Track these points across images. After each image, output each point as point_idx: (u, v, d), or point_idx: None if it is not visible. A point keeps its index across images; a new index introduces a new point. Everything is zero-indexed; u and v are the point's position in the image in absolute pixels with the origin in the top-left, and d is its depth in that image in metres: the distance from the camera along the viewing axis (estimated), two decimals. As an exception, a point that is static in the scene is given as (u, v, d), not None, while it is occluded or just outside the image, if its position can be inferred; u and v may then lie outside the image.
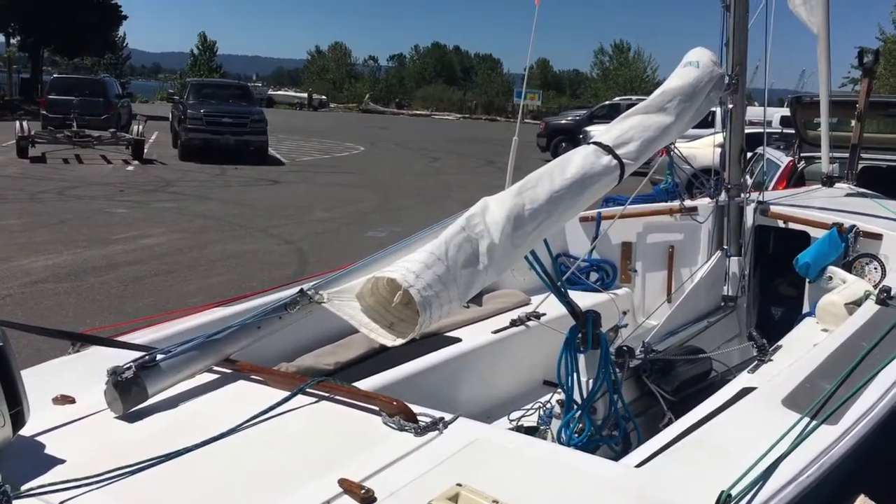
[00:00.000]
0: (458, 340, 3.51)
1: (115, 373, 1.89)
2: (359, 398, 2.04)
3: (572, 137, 22.30)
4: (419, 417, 1.93)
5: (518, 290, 4.19)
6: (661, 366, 3.51)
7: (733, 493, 1.63)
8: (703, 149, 6.92)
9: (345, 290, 2.32)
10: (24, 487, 1.49)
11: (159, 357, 1.99)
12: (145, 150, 19.68)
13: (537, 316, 3.77)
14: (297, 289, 2.36)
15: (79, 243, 10.43)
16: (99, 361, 2.29)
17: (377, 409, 1.98)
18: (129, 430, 1.87)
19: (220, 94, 22.77)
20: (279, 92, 65.47)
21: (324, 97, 64.63)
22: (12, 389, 1.63)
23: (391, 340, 2.24)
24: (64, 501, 1.53)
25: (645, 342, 3.57)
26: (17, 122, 18.87)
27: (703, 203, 4.68)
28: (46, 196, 13.99)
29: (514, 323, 3.71)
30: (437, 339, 3.48)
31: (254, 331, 2.21)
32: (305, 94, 63.51)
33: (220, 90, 23.80)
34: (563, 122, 26.73)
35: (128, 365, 1.91)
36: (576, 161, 2.89)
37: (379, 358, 3.21)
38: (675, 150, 4.54)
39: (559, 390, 3.20)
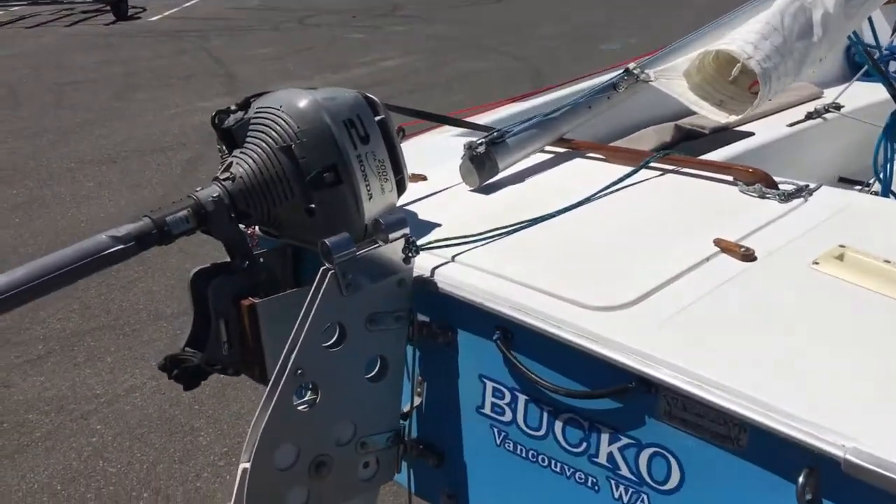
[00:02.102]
0: (750, 134, 3.36)
1: (470, 147, 1.98)
2: (710, 169, 2.01)
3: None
4: (780, 185, 1.88)
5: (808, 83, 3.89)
6: None
7: None
8: None
9: (671, 68, 2.25)
10: (419, 243, 1.63)
11: (505, 134, 2.07)
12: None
13: (837, 107, 3.49)
14: (621, 69, 2.32)
15: (326, 68, 11.00)
16: (426, 148, 2.43)
17: (731, 179, 1.95)
18: (486, 200, 1.98)
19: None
20: None
21: None
22: (395, 158, 1.77)
23: (723, 118, 2.17)
24: (455, 255, 1.67)
25: None
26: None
27: None
28: (288, 25, 14.73)
29: (809, 116, 3.46)
30: (728, 134, 3.34)
31: (585, 110, 2.22)
32: None
33: None
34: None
35: (480, 141, 2.00)
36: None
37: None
38: None
39: (857, 187, 3.00)
